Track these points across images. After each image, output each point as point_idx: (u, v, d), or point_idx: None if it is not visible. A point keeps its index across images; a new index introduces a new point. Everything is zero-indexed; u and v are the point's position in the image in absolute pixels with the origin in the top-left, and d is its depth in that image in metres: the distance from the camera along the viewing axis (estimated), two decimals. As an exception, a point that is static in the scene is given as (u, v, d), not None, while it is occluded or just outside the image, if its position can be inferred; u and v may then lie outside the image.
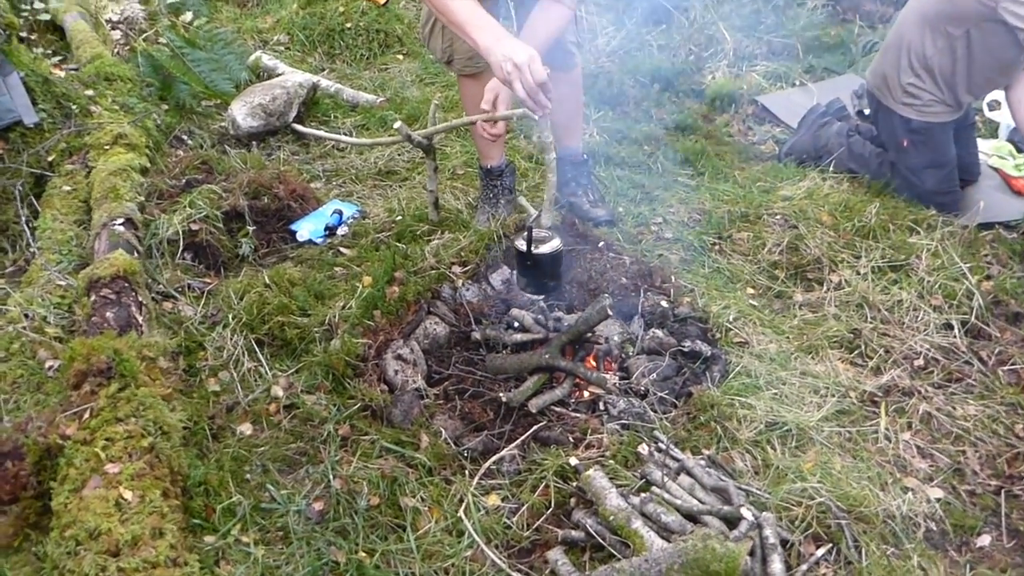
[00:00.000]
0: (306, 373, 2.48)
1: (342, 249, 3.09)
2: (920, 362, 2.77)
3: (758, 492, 2.20)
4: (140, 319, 2.20)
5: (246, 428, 2.34)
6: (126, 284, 2.26)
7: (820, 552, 2.11)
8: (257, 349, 2.55)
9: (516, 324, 2.71)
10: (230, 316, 2.58)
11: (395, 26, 5.23)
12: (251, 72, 4.60)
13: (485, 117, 2.67)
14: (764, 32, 5.06)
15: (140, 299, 2.27)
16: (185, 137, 3.78)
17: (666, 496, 2.12)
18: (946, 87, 3.40)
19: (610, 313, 2.49)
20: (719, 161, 3.91)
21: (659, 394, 2.53)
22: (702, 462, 2.27)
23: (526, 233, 2.60)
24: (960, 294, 2.93)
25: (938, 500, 2.31)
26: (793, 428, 2.42)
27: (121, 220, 2.50)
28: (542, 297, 2.77)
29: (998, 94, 4.11)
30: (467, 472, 2.27)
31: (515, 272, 2.85)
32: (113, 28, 4.38)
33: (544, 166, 2.63)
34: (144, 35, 4.43)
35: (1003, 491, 2.36)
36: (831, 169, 3.68)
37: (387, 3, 5.32)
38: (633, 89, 4.64)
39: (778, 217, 3.32)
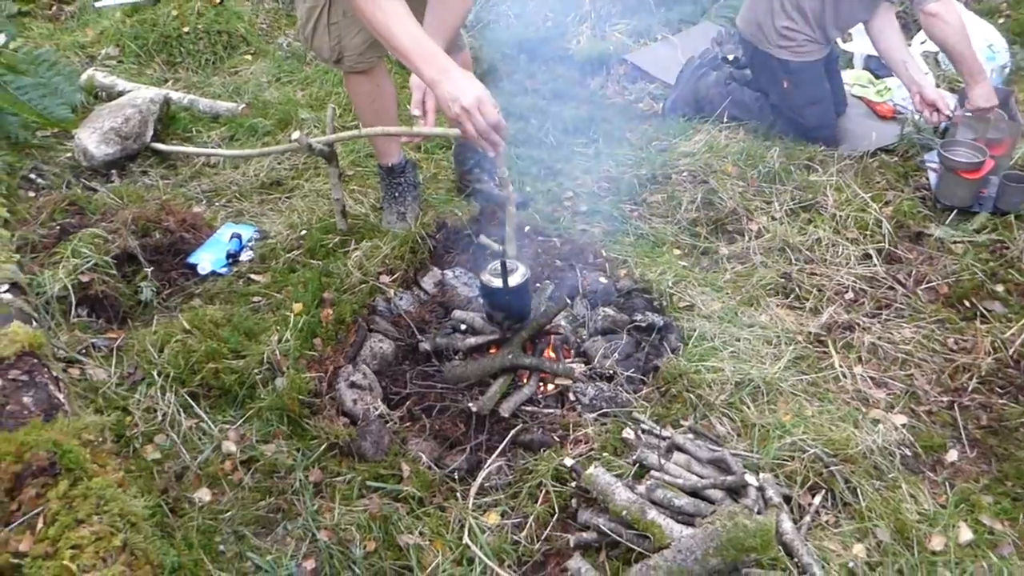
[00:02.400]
0: (257, 421, 2.26)
1: (253, 276, 2.84)
2: (850, 295, 2.87)
3: (749, 455, 2.21)
4: (62, 397, 1.92)
5: (204, 494, 2.11)
6: (35, 360, 1.96)
7: (817, 500, 2.14)
8: (193, 403, 2.30)
9: (464, 327, 2.58)
10: (154, 372, 2.31)
11: (236, 25, 4.86)
12: (87, 93, 4.15)
13: (416, 132, 2.45)
14: (617, -11, 5.07)
15: (55, 374, 1.98)
16: (34, 176, 3.36)
17: (666, 478, 2.09)
18: (817, 26, 3.51)
19: (568, 303, 2.41)
20: (607, 125, 3.89)
21: (625, 373, 2.48)
22: (690, 435, 2.25)
23: (498, 268, 2.38)
24: (871, 224, 3.05)
25: (903, 426, 2.40)
26: (760, 383, 2.44)
27: (5, 287, 2.16)
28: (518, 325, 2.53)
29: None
30: (459, 494, 2.15)
31: (484, 307, 2.58)
32: (-86, 64, 3.80)
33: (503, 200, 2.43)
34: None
35: (955, 404, 2.49)
36: (716, 120, 3.74)
37: (222, 0, 4.94)
38: (501, 63, 4.53)
39: (685, 174, 3.34)
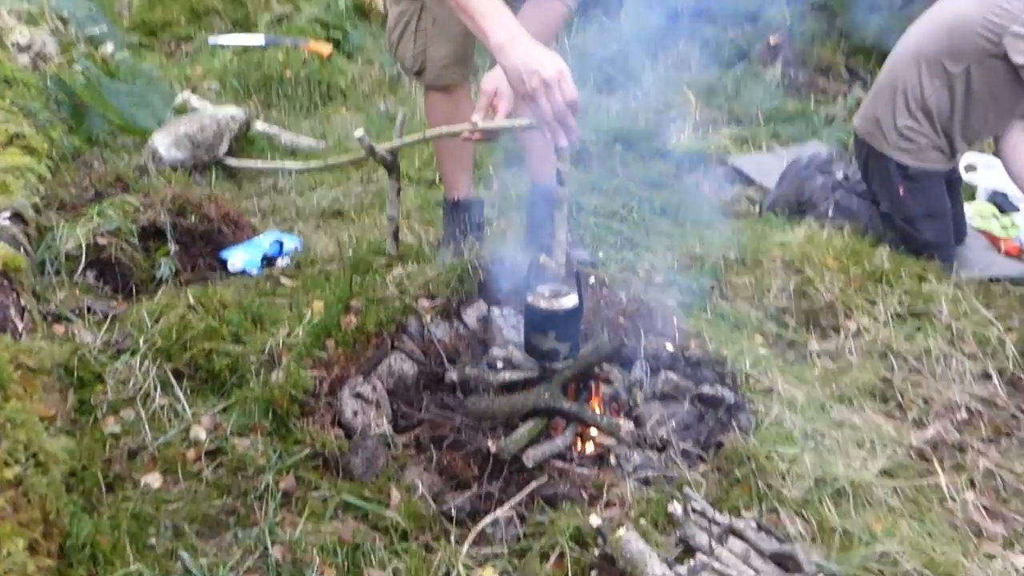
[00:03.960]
0: (238, 410, 1.91)
1: (283, 280, 2.57)
2: (963, 414, 2.40)
3: (825, 563, 1.73)
4: (19, 325, 1.64)
5: (153, 479, 1.76)
6: (5, 281, 1.71)
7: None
8: (175, 382, 1.98)
9: (501, 364, 2.22)
10: (140, 340, 2.01)
11: (338, 79, 4.87)
12: (177, 112, 4.12)
13: (482, 126, 2.07)
14: (724, 100, 4.90)
15: (23, 303, 1.71)
16: (96, 163, 3.24)
17: (716, 564, 1.63)
18: (943, 131, 3.19)
19: (625, 343, 2.04)
20: (697, 212, 3.59)
21: (682, 445, 2.06)
22: (753, 524, 1.79)
23: (548, 292, 2.06)
24: (993, 341, 2.61)
25: (1026, 570, 1.89)
26: (847, 485, 1.98)
27: (8, 214, 1.95)
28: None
29: (973, 157, 3.98)
30: (453, 537, 1.73)
31: (524, 335, 2.19)
32: (20, 52, 3.86)
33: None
34: (56, 63, 3.91)
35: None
36: (819, 217, 3.40)
37: (331, 56, 4.97)
38: (595, 147, 4.33)
39: (778, 262, 2.97)
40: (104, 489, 1.68)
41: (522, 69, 1.80)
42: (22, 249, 1.92)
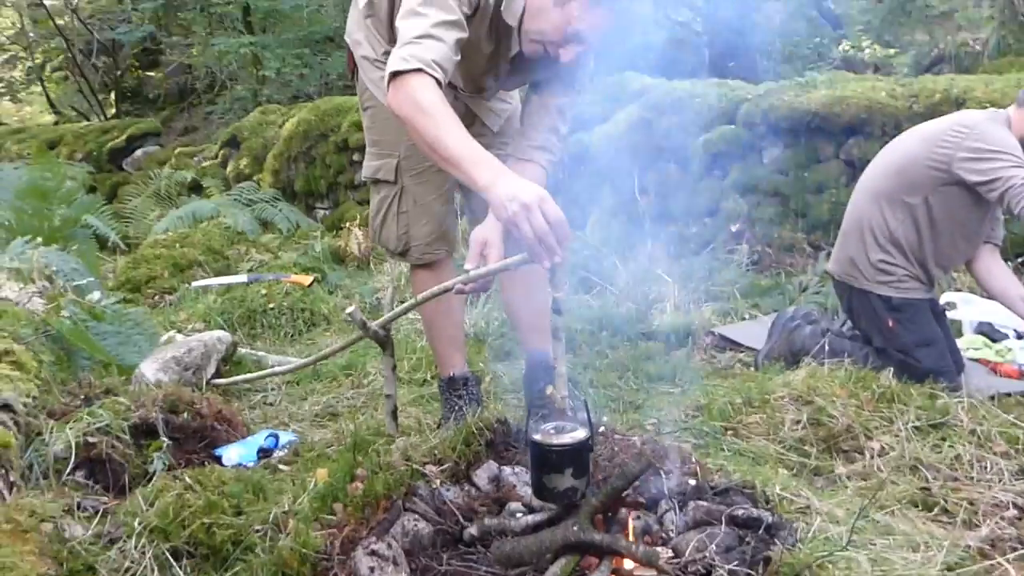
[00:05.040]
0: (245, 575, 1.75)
1: (281, 467, 2.46)
2: (1012, 512, 2.26)
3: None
4: (7, 497, 1.53)
5: (156, 661, 1.56)
6: (-8, 460, 1.61)
7: None
8: (173, 562, 1.82)
9: (520, 513, 2.09)
10: (135, 522, 1.87)
11: (320, 306, 4.97)
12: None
13: (474, 274, 2.11)
14: (700, 282, 5.04)
15: (11, 478, 1.60)
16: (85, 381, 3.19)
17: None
18: (916, 261, 3.28)
19: (652, 461, 1.94)
20: (693, 374, 3.57)
21: (727, 567, 1.89)
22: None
23: (553, 429, 2.00)
24: (1023, 439, 2.52)
25: None
26: (912, 585, 1.82)
27: (-4, 405, 1.89)
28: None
29: (949, 296, 4.08)
30: None
31: (531, 475, 2.09)
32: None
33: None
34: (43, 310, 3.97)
35: None
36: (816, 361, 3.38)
37: (312, 284, 5.11)
38: (581, 335, 4.38)
39: (786, 399, 2.92)
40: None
41: (505, 199, 1.87)
42: (12, 433, 1.83)
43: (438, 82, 2.07)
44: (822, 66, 8.76)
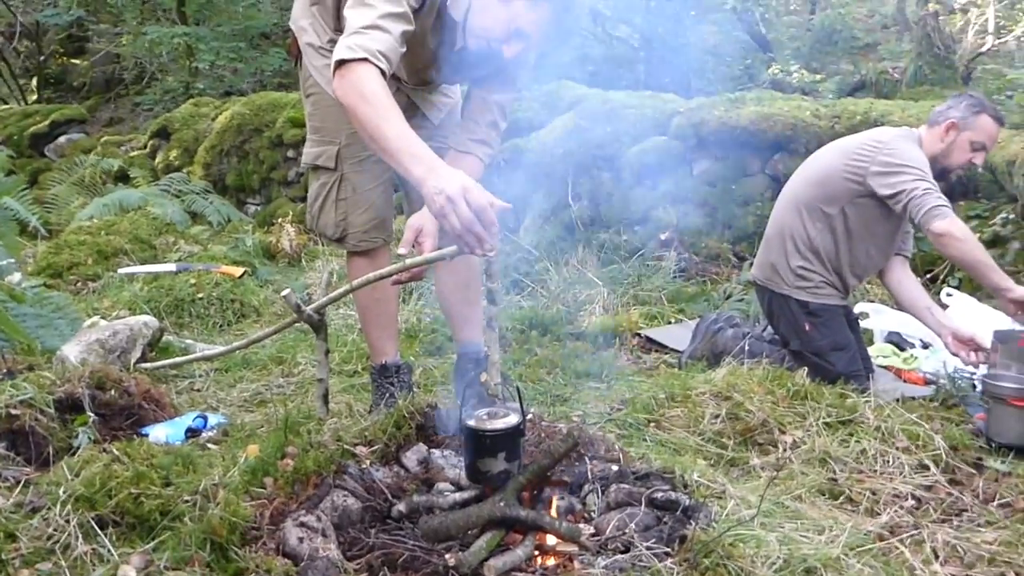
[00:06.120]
0: (172, 543, 1.75)
1: (210, 445, 2.45)
2: (911, 502, 2.41)
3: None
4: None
5: (79, 625, 1.56)
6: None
7: None
8: (99, 530, 1.81)
9: (448, 492, 2.14)
10: (60, 491, 1.86)
11: (251, 297, 4.92)
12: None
13: (406, 263, 2.20)
14: (628, 287, 5.17)
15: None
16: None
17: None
18: (832, 269, 3.45)
19: (577, 440, 2.02)
20: (619, 370, 3.68)
21: (645, 544, 1.98)
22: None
23: (486, 414, 2.05)
24: (923, 436, 2.68)
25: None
26: (818, 564, 1.92)
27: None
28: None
29: (863, 306, 4.29)
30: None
31: (464, 459, 2.14)
32: (-80, 286, 3.79)
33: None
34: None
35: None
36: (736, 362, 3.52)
37: (243, 276, 5.06)
38: (512, 333, 4.45)
39: (707, 395, 3.03)
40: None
41: (433, 192, 1.92)
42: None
43: (383, 72, 2.12)
44: (752, 87, 9.06)
